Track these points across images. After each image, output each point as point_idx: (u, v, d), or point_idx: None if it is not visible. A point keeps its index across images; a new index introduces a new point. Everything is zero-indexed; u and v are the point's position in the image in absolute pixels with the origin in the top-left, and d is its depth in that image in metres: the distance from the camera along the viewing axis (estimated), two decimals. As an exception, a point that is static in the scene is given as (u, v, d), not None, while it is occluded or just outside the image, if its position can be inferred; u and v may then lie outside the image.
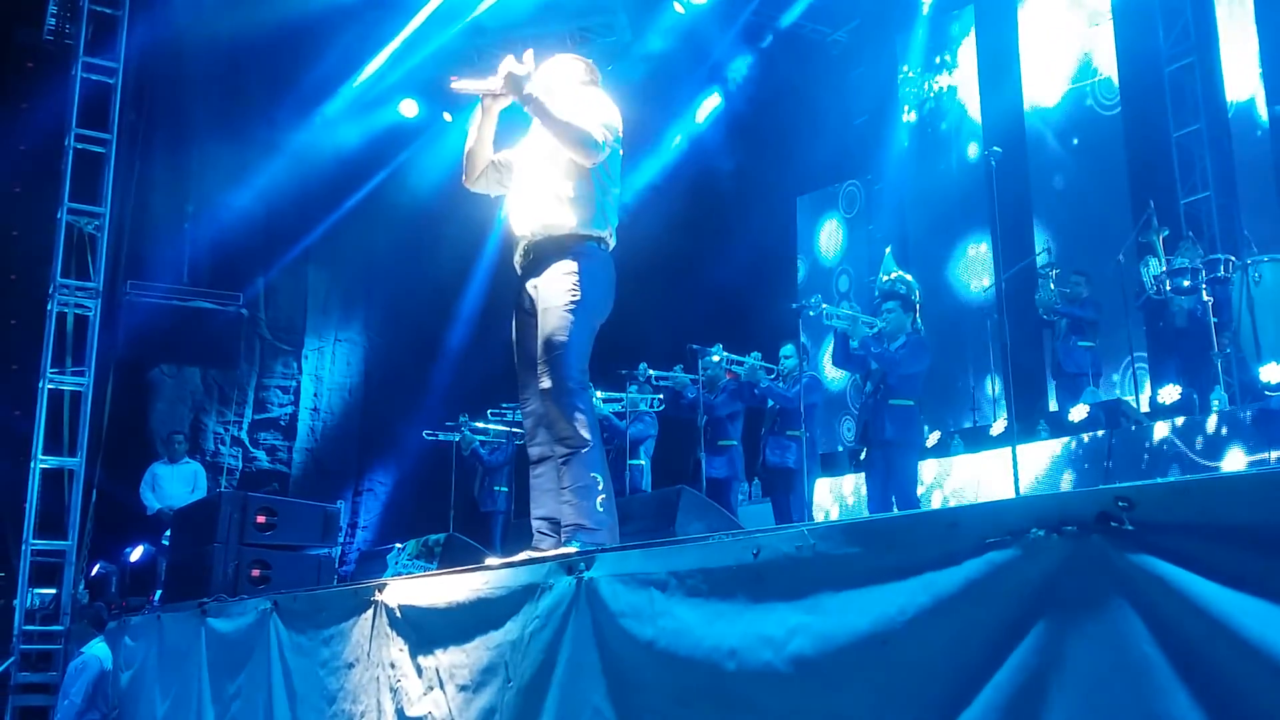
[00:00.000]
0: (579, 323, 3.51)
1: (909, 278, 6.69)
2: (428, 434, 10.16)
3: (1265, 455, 5.80)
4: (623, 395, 8.55)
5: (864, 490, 7.04)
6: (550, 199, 3.62)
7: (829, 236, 12.43)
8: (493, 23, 10.80)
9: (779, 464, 7.44)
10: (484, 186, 3.93)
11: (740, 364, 7.63)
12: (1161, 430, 6.46)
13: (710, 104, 12.71)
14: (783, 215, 12.69)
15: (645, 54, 11.33)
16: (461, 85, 3.78)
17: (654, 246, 10.86)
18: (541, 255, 3.61)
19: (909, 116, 11.85)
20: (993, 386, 9.99)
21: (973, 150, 10.92)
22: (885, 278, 6.68)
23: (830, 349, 7.31)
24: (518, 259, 3.73)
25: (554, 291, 3.53)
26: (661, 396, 8.53)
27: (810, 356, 7.58)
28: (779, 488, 7.58)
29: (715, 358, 7.84)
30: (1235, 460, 5.98)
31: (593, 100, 3.70)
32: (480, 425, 9.70)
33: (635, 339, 8.90)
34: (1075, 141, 10.11)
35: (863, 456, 6.52)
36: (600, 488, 3.43)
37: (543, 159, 3.66)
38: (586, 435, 3.46)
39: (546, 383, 3.49)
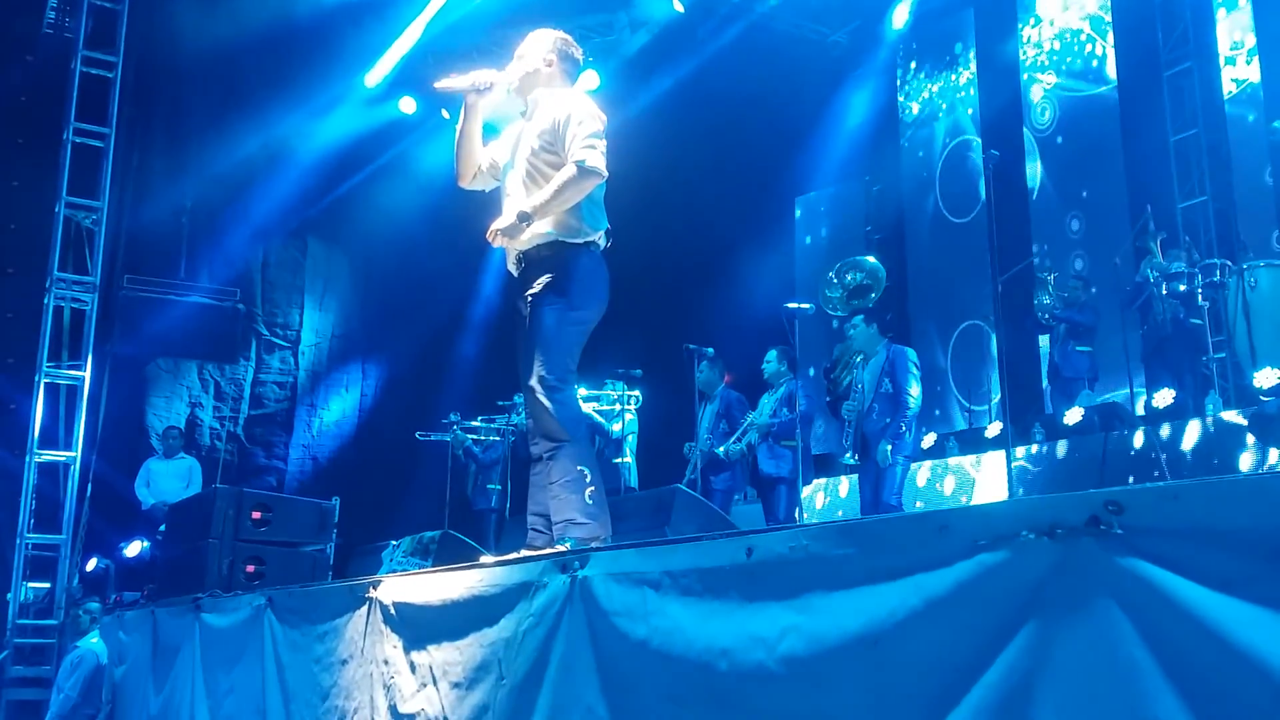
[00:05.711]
0: (564, 321, 3.55)
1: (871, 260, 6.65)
2: (420, 434, 10.15)
3: (1259, 460, 5.81)
4: (600, 394, 8.56)
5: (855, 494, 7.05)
6: None
7: (827, 237, 12.42)
8: (492, 19, 10.78)
9: (774, 473, 7.43)
10: (480, 184, 3.94)
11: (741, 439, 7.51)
12: (1155, 434, 6.48)
13: (707, 104, 12.67)
14: (782, 216, 12.67)
15: (642, 52, 11.31)
16: (445, 84, 3.75)
17: (652, 247, 10.86)
18: (533, 259, 3.65)
19: (908, 118, 11.87)
20: (988, 389, 10.00)
21: (971, 152, 10.94)
22: (834, 278, 6.65)
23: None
24: (511, 264, 3.76)
25: (543, 293, 3.58)
26: (639, 393, 8.56)
27: (798, 361, 7.47)
28: (771, 493, 7.56)
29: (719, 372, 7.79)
30: (1228, 465, 6.00)
31: (577, 117, 3.56)
32: (472, 424, 9.70)
33: (630, 338, 8.90)
34: (1073, 144, 10.12)
35: (851, 459, 6.56)
36: (588, 480, 3.45)
37: (531, 163, 3.65)
38: (568, 429, 3.49)
39: (530, 380, 3.54)
